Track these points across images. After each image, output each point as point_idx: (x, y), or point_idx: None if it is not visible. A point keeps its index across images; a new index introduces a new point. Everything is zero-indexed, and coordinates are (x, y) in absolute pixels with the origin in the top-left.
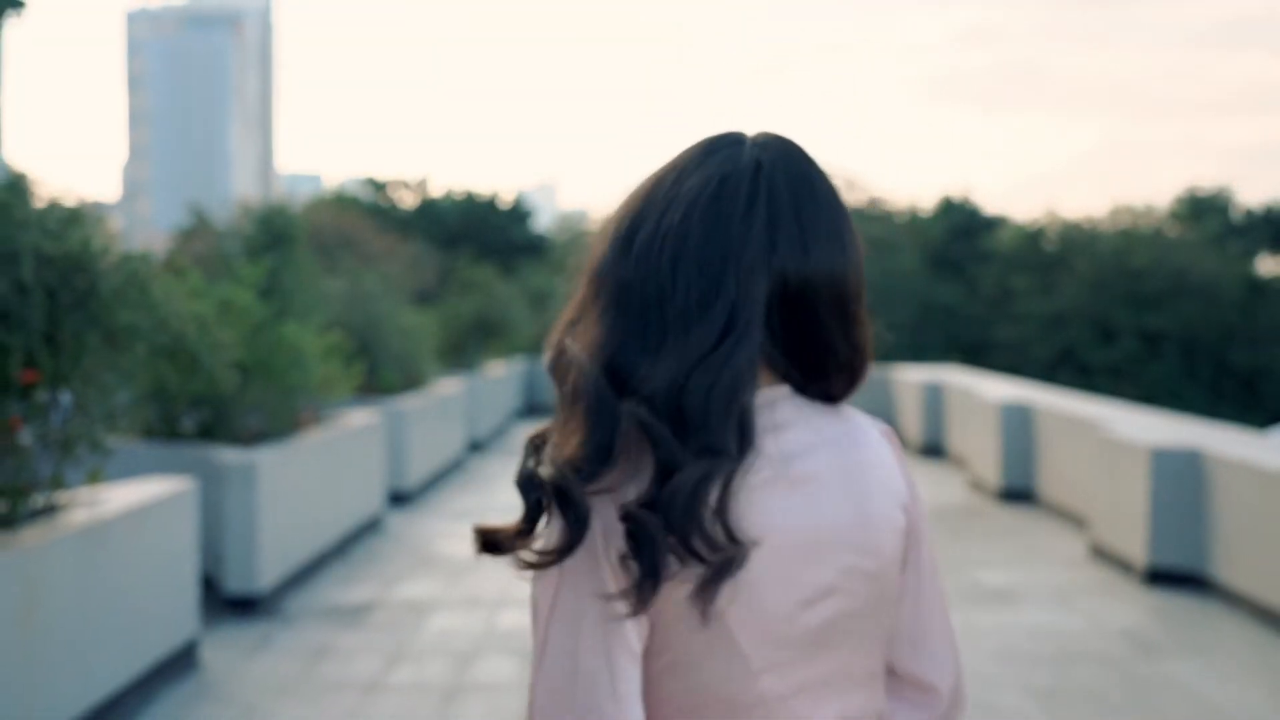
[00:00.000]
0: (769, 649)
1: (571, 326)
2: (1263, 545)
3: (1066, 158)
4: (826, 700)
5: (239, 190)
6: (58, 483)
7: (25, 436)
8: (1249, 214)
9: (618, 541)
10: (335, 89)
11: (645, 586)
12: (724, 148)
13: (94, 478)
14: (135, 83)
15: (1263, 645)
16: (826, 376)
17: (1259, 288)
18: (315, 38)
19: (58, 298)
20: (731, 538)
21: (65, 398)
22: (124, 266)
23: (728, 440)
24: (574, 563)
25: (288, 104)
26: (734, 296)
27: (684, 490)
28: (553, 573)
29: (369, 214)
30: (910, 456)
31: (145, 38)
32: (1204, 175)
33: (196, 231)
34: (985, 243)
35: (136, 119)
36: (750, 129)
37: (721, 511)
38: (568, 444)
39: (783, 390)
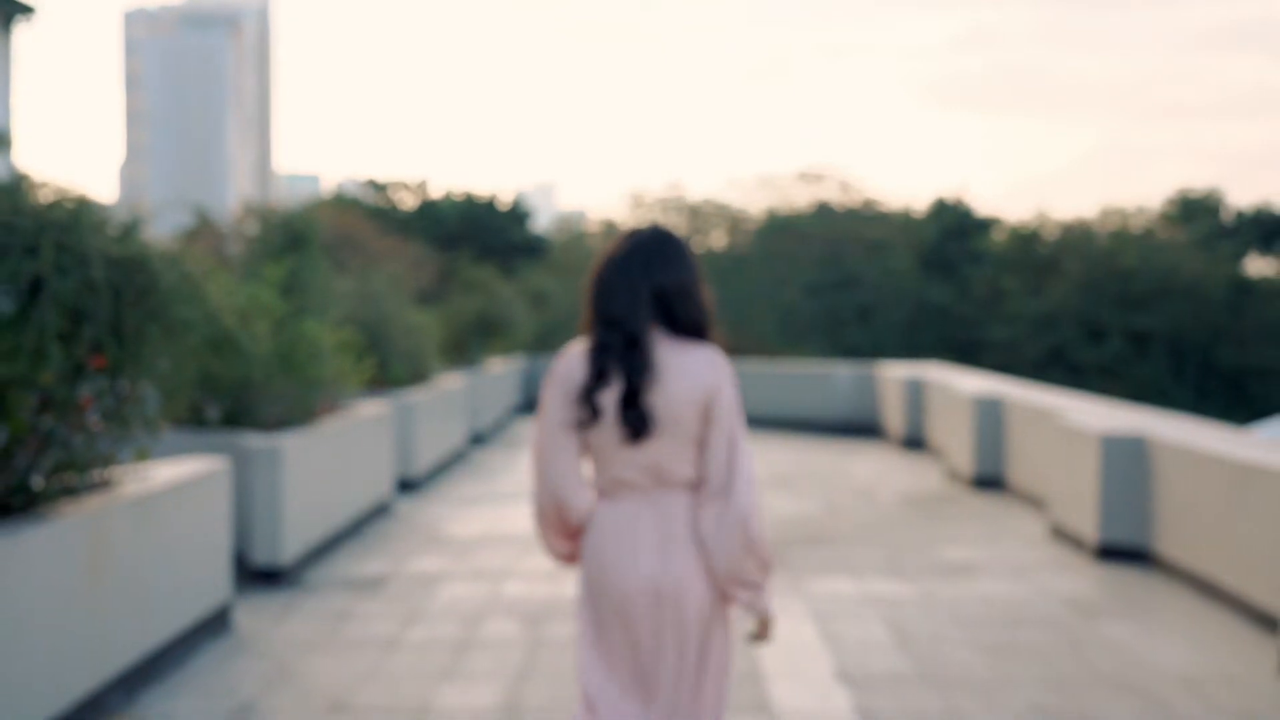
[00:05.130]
0: (611, 434)
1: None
2: (1198, 521)
3: (1065, 160)
4: (639, 456)
5: (237, 191)
6: (111, 459)
7: (91, 417)
8: (1239, 215)
9: (574, 396)
10: (333, 89)
11: (578, 420)
12: (630, 235)
13: (142, 456)
14: (133, 83)
15: (1194, 610)
16: (681, 328)
17: (1247, 288)
18: (313, 38)
19: (122, 295)
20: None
21: (120, 383)
22: (177, 266)
23: (630, 359)
24: (551, 399)
25: (286, 104)
26: (634, 302)
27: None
28: (546, 396)
29: (370, 215)
30: (893, 448)
31: (142, 38)
32: (1201, 178)
33: (200, 232)
34: (978, 244)
35: (134, 119)
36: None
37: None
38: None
39: (661, 333)
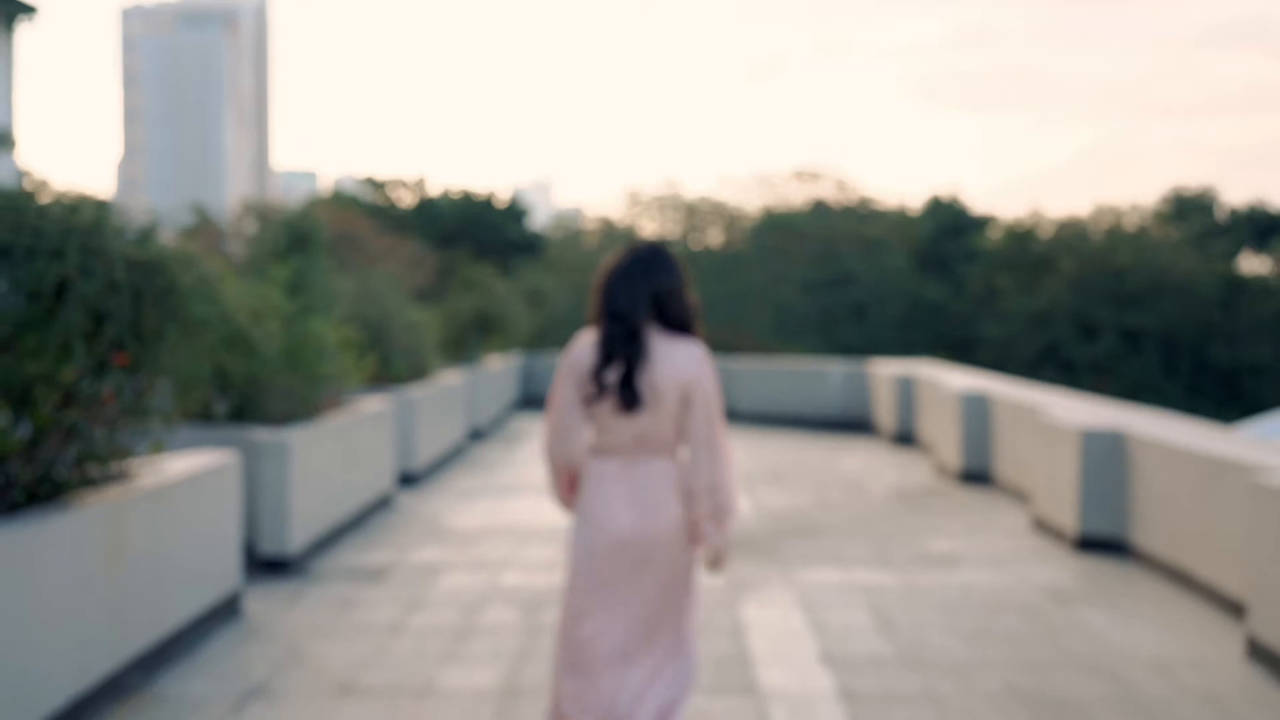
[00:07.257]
0: (609, 406)
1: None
2: (1173, 513)
3: (1059, 157)
4: (629, 425)
5: (235, 188)
6: (128, 451)
7: (112, 411)
8: (1233, 213)
9: (583, 375)
10: (330, 86)
11: (587, 394)
12: (632, 248)
13: (157, 448)
14: (130, 80)
15: (1167, 598)
16: (672, 324)
17: (1240, 286)
18: (311, 35)
19: (143, 295)
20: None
21: (138, 379)
22: (194, 268)
23: (629, 347)
24: (565, 376)
25: (283, 101)
26: (635, 302)
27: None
28: (560, 374)
29: (368, 213)
30: (884, 443)
31: (140, 35)
32: (1195, 176)
33: (199, 230)
34: (972, 242)
35: (131, 116)
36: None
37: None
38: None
39: (655, 328)
